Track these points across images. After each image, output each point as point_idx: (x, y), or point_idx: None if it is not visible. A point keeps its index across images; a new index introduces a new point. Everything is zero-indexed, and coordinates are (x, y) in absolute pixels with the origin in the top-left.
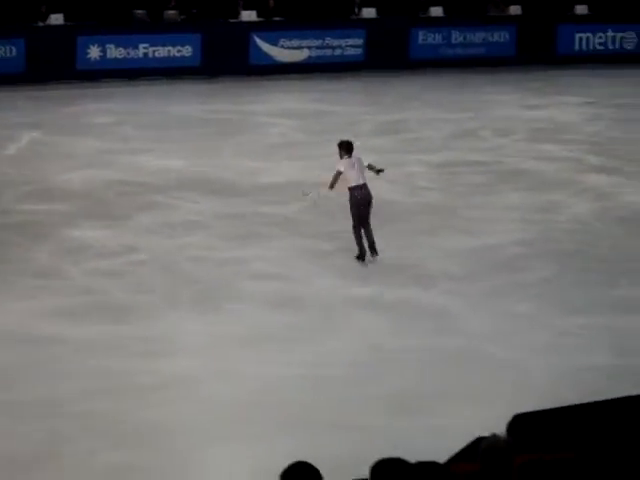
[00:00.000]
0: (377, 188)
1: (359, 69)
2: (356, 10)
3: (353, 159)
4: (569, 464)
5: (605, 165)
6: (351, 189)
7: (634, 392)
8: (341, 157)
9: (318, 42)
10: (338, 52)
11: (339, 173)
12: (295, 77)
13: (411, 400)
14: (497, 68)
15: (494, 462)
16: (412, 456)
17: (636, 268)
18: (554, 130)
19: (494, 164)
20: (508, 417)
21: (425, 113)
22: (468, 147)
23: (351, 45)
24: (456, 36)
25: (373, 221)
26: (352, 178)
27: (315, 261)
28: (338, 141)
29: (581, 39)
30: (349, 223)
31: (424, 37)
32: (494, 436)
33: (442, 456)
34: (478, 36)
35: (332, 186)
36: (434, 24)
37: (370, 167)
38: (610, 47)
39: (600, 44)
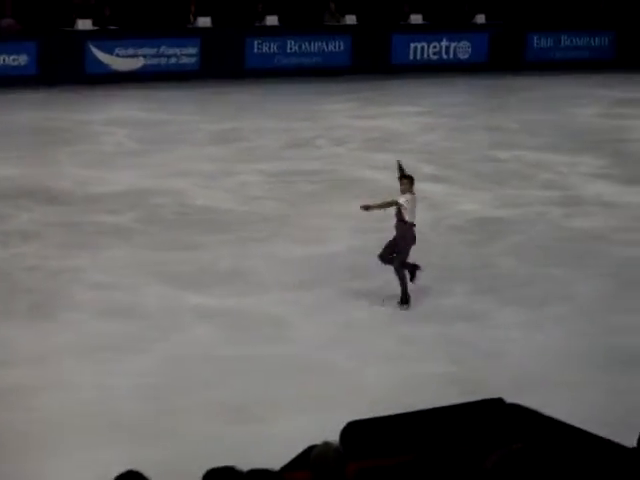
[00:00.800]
0: (212, 197)
1: (195, 78)
2: (191, 19)
3: (415, 196)
4: (402, 470)
5: (438, 174)
6: (411, 225)
7: (468, 399)
8: (403, 192)
9: (153, 51)
10: (173, 61)
11: (400, 206)
12: (131, 86)
13: (246, 408)
14: (333, 77)
15: (324, 470)
16: (246, 464)
17: (469, 277)
18: (389, 139)
19: (329, 173)
20: (343, 425)
21: (261, 122)
22: (303, 156)
23: (186, 54)
24: (291, 45)
25: (210, 233)
26: (412, 214)
27: (149, 270)
28: (405, 173)
29: (416, 48)
30: (184, 232)
31: (259, 46)
32: (325, 444)
33: (276, 464)
34: (314, 45)
35: (382, 207)
36: (269, 33)
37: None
38: (444, 57)
39: (435, 54)
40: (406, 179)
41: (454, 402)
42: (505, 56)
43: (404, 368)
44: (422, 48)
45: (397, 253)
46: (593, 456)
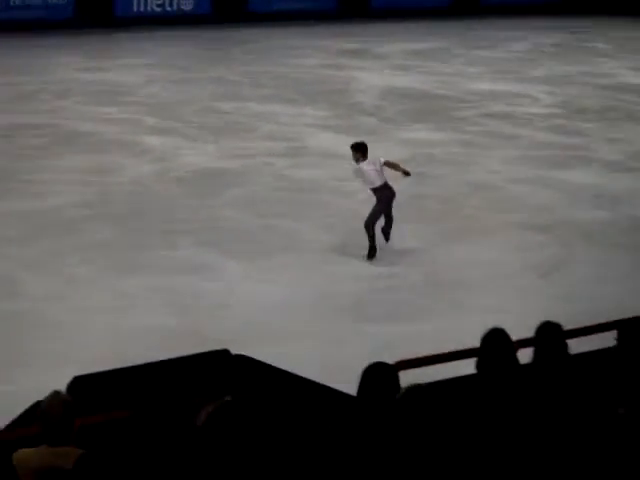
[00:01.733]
0: None
1: None
2: None
3: (370, 160)
4: (120, 426)
5: (163, 127)
6: (375, 190)
7: (193, 352)
8: (357, 160)
9: None
10: None
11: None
12: None
13: None
14: (57, 31)
15: (53, 419)
16: None
17: (194, 229)
18: (113, 92)
19: (53, 127)
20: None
21: None
22: (26, 110)
23: None
24: None
25: None
26: (374, 180)
27: None
28: (352, 144)
29: (139, 1)
30: None
31: None
32: (54, 393)
33: (3, 421)
34: None
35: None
36: None
37: (393, 166)
38: (168, 9)
39: (158, 6)
40: (353, 149)
41: (180, 354)
42: (228, 8)
43: (129, 321)
44: (145, 0)
45: (370, 213)
46: (315, 404)
